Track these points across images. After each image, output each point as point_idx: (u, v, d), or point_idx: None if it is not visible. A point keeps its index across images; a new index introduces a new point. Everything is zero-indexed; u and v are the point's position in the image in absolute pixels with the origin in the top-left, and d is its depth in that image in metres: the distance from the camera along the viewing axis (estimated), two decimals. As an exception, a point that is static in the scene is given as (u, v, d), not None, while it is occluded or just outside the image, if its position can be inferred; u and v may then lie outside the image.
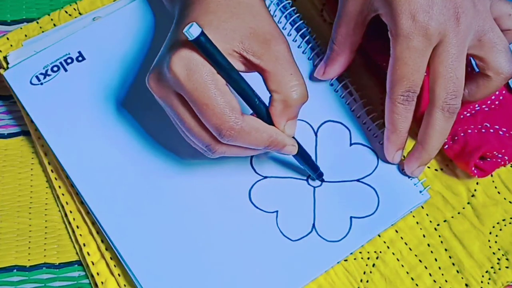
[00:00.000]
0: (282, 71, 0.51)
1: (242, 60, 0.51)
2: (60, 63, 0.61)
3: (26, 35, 0.63)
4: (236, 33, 0.50)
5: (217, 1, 0.51)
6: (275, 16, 0.65)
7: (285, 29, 0.64)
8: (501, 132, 0.60)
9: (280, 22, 0.64)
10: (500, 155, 0.60)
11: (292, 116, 0.53)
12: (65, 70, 0.61)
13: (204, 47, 0.47)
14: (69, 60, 0.61)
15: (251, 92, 0.51)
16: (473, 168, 0.59)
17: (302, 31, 0.64)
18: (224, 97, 0.49)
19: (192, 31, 0.46)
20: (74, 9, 0.64)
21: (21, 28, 0.63)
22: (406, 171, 0.59)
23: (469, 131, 0.61)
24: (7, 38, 0.63)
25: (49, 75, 0.61)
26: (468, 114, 0.62)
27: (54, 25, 0.63)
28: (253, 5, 0.52)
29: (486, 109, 0.62)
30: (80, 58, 0.61)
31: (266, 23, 0.51)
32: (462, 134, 0.61)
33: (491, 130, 0.60)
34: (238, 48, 0.50)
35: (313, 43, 0.64)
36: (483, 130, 0.60)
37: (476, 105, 0.62)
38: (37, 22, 0.63)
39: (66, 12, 0.64)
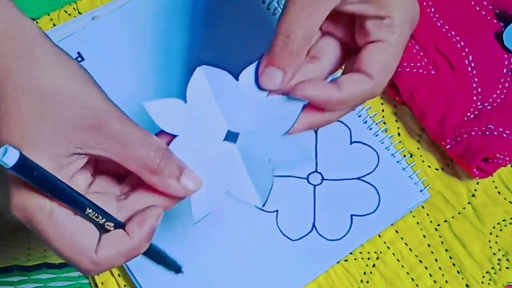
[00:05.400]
0: (128, 148, 0.43)
1: (82, 157, 0.43)
2: (59, 64, 0.61)
3: (25, 35, 0.63)
4: (58, 135, 0.41)
5: (15, 98, 0.41)
6: (275, 14, 0.64)
7: (286, 27, 0.64)
8: (504, 135, 0.60)
9: (281, 21, 0.64)
10: (501, 156, 0.60)
11: (178, 170, 0.45)
12: (64, 71, 0.61)
13: (27, 173, 0.39)
14: (68, 61, 0.61)
15: (95, 207, 0.43)
16: (474, 170, 0.59)
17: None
18: (70, 236, 0.42)
19: (8, 159, 0.37)
20: (74, 8, 0.64)
21: (20, 28, 0.63)
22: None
23: (473, 133, 0.60)
24: (7, 39, 0.63)
25: (48, 76, 0.60)
26: (472, 116, 0.61)
27: (54, 25, 0.63)
28: (57, 89, 0.42)
29: (489, 107, 0.62)
30: (79, 59, 0.61)
31: (82, 104, 0.42)
32: (465, 135, 0.60)
33: (495, 133, 0.60)
34: (68, 150, 0.42)
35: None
36: (487, 133, 0.60)
37: (479, 104, 0.62)
38: (37, 22, 0.63)
39: (66, 12, 0.64)
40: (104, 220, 0.43)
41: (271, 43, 0.46)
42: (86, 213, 0.42)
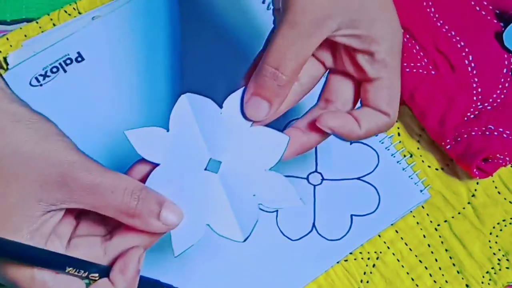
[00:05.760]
0: (100, 197, 0.43)
1: (58, 211, 0.43)
2: (60, 64, 0.61)
3: (25, 35, 0.63)
4: (28, 198, 0.41)
5: None
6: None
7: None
8: (504, 135, 0.60)
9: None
10: (501, 156, 0.60)
11: (158, 205, 0.45)
12: (64, 71, 0.61)
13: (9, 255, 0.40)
14: (68, 61, 0.61)
15: (79, 263, 0.43)
16: (474, 170, 0.59)
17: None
18: None
19: None
20: (74, 8, 0.64)
21: (20, 28, 0.63)
22: None
23: (473, 133, 0.60)
24: (7, 39, 0.63)
25: (48, 76, 0.60)
26: (472, 116, 0.61)
27: (54, 25, 0.63)
28: (19, 151, 0.42)
29: (489, 107, 0.62)
30: (79, 59, 0.61)
31: (45, 164, 0.42)
32: (465, 135, 0.60)
33: (495, 133, 0.60)
34: (41, 209, 0.41)
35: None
36: (487, 133, 0.60)
37: (479, 104, 0.62)
38: (37, 22, 0.63)
39: (66, 11, 0.64)
40: (87, 273, 0.43)
41: (257, 71, 0.45)
42: (67, 271, 0.42)
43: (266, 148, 0.46)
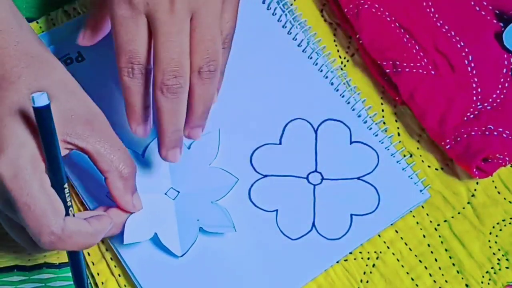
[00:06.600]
0: (110, 150, 0.49)
1: (66, 146, 0.48)
2: (60, 64, 0.61)
3: (26, 35, 0.63)
4: (57, 117, 0.46)
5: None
6: (275, 14, 0.64)
7: (286, 27, 0.64)
8: (504, 135, 0.60)
9: (280, 21, 0.64)
10: (501, 156, 0.60)
11: (134, 189, 0.53)
12: (65, 71, 0.61)
13: (44, 122, 0.45)
14: (68, 61, 0.61)
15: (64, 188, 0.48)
16: (474, 170, 0.59)
17: (303, 29, 0.64)
18: (49, 198, 0.46)
19: (40, 100, 0.44)
20: (74, 8, 0.64)
21: (21, 28, 0.63)
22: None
23: (473, 133, 0.60)
24: (7, 38, 0.63)
25: (48, 76, 0.60)
26: (472, 116, 0.61)
27: (54, 24, 0.63)
28: (66, 84, 0.49)
29: (489, 107, 0.62)
30: (79, 58, 0.61)
31: (83, 102, 0.49)
32: (465, 136, 0.60)
33: (495, 133, 0.60)
34: (62, 134, 0.47)
35: (313, 42, 0.64)
36: (487, 133, 0.60)
37: (479, 104, 0.62)
38: (37, 22, 0.63)
39: (66, 11, 0.64)
40: (71, 203, 0.49)
41: None
42: (64, 186, 0.48)
43: (216, 185, 0.58)
